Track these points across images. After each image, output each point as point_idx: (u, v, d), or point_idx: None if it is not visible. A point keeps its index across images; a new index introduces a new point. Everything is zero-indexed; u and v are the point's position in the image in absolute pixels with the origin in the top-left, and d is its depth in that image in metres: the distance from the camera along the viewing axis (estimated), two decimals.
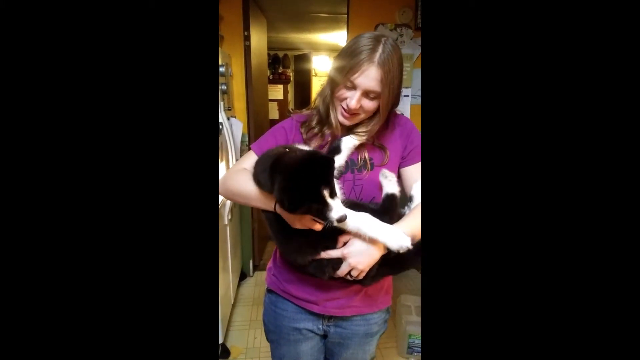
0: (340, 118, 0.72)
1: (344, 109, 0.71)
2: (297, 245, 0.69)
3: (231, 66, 2.13)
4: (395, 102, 0.73)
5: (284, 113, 4.49)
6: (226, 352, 1.70)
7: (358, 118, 0.73)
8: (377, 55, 0.65)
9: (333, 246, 0.67)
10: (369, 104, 0.69)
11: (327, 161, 0.61)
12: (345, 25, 2.26)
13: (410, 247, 0.63)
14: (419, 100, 2.36)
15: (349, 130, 0.76)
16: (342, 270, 0.67)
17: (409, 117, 2.36)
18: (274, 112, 4.42)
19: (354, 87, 0.68)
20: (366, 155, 0.76)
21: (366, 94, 0.68)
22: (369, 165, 0.75)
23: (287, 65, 5.02)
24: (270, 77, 4.59)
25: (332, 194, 0.60)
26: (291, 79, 4.98)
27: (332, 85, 0.72)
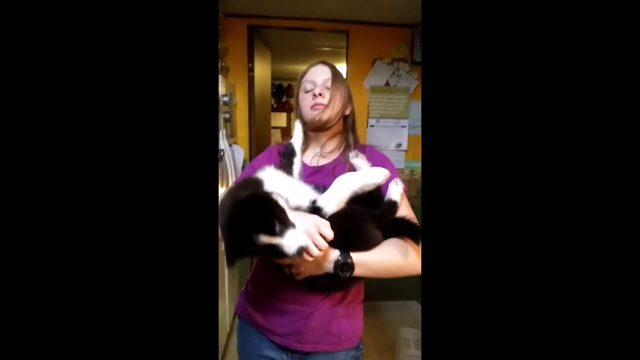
0: (311, 112, 0.81)
1: (311, 106, 0.81)
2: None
3: (235, 96, 2.22)
4: (345, 107, 0.83)
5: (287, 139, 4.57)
6: None
7: (327, 112, 0.80)
8: (321, 62, 0.85)
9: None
10: (328, 92, 0.81)
11: (258, 205, 0.57)
12: (345, 59, 2.37)
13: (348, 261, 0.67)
14: (417, 131, 2.42)
15: (319, 149, 0.85)
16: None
17: (406, 146, 2.41)
18: (277, 139, 4.52)
19: (313, 86, 0.82)
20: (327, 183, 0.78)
21: (324, 85, 0.81)
22: None
23: (291, 94, 5.18)
24: (275, 106, 4.73)
25: (278, 232, 0.56)
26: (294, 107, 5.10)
27: (296, 99, 0.85)
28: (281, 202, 0.60)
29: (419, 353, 1.71)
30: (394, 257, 0.70)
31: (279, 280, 0.76)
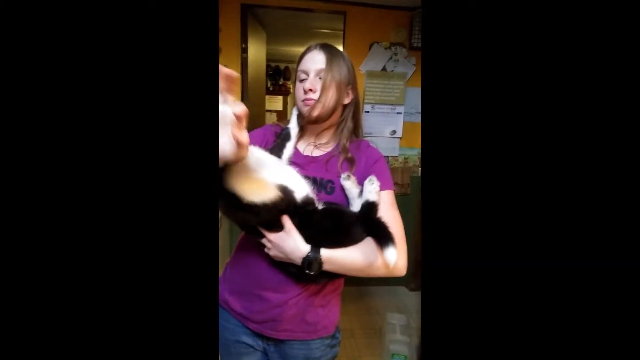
0: (302, 106, 0.77)
1: (302, 100, 0.76)
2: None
3: None
4: (344, 90, 0.77)
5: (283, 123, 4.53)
6: None
7: (318, 107, 0.75)
8: (318, 45, 0.77)
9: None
10: (320, 84, 0.75)
11: None
12: (342, 41, 2.31)
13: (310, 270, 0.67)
14: (412, 118, 2.39)
15: (314, 138, 0.81)
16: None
17: (401, 134, 2.39)
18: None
19: (306, 76, 0.76)
20: (327, 178, 0.77)
21: (318, 75, 0.75)
22: (328, 189, 0.76)
23: (288, 77, 5.09)
24: (271, 89, 4.65)
25: None
26: (291, 90, 5.04)
27: (294, 85, 0.81)
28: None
29: (405, 338, 1.74)
30: (367, 257, 0.68)
31: (257, 266, 0.76)
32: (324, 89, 0.74)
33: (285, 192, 0.66)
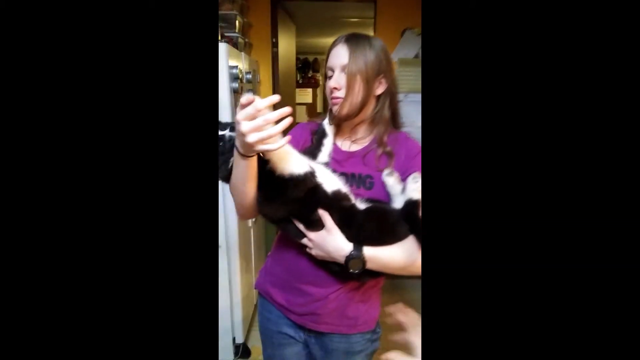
0: (331, 103, 0.75)
1: (331, 97, 0.75)
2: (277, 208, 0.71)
3: (259, 72, 2.19)
4: (374, 79, 0.73)
5: (312, 116, 4.54)
6: (247, 352, 1.74)
7: (346, 104, 0.72)
8: (344, 38, 0.73)
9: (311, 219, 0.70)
10: (345, 79, 0.72)
11: None
12: (373, 30, 2.25)
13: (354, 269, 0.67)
14: None
15: (350, 136, 0.79)
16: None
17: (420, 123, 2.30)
18: (302, 116, 4.48)
19: (332, 72, 0.74)
20: (365, 173, 0.75)
21: (343, 70, 0.72)
22: (367, 184, 0.74)
23: (317, 69, 5.06)
24: (300, 82, 4.66)
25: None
26: (320, 82, 5.02)
27: (324, 83, 0.78)
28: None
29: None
30: (410, 255, 0.67)
31: (298, 260, 0.76)
32: (349, 86, 0.70)
33: (312, 174, 0.67)
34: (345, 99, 0.71)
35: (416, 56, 2.22)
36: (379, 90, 0.74)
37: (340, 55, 0.72)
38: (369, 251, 0.67)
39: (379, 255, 0.68)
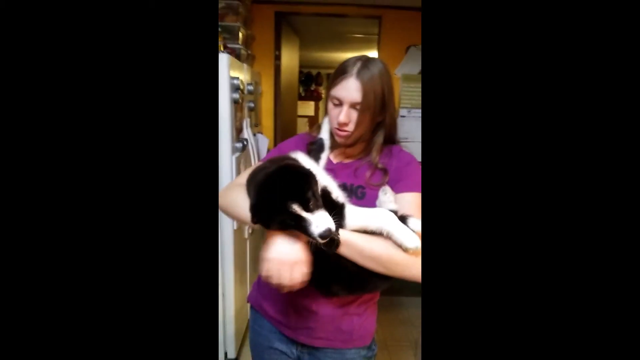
0: (336, 131, 0.74)
1: (336, 127, 0.73)
2: None
3: (261, 84, 2.19)
4: (380, 112, 0.73)
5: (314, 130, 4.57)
6: None
7: (353, 136, 0.73)
8: (355, 69, 0.70)
9: None
10: (355, 116, 0.71)
11: (300, 175, 0.56)
12: (377, 46, 2.27)
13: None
14: None
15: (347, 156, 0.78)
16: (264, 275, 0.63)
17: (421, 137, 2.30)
18: (304, 128, 4.50)
19: (340, 103, 0.71)
20: (357, 184, 0.75)
21: (353, 106, 0.71)
22: (359, 194, 0.74)
23: (320, 82, 5.11)
24: (303, 94, 4.70)
25: (311, 208, 0.55)
26: (323, 96, 5.06)
27: (326, 106, 0.77)
28: (318, 180, 0.60)
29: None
30: (387, 248, 0.63)
31: None
32: (359, 123, 0.71)
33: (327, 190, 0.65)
34: (353, 132, 0.72)
35: (420, 73, 2.23)
36: (381, 117, 0.76)
37: (351, 90, 0.70)
38: (344, 234, 0.63)
39: (354, 240, 0.63)
